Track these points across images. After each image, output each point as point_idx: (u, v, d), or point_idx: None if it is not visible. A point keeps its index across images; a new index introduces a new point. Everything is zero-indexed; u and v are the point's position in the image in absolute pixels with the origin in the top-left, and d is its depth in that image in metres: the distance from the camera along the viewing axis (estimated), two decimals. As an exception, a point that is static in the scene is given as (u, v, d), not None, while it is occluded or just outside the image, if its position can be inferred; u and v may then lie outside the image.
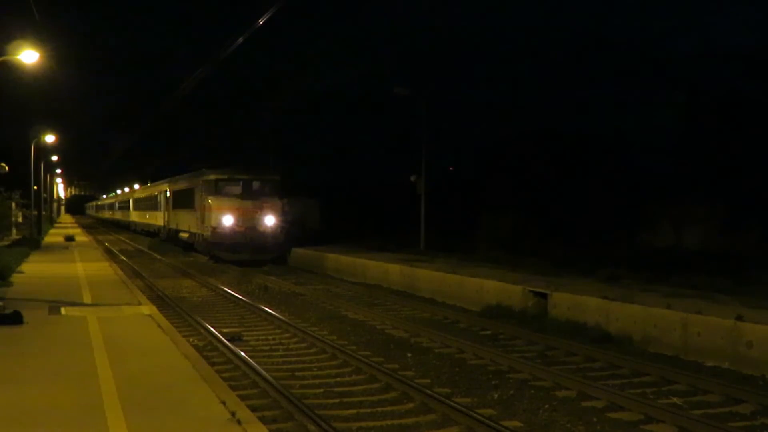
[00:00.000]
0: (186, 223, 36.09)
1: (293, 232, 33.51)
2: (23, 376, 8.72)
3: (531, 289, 16.78)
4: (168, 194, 41.88)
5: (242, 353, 11.69)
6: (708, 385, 10.18)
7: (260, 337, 14.04)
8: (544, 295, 16.25)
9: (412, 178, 29.76)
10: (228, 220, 30.28)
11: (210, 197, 31.03)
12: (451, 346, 13.03)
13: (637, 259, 22.97)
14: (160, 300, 18.43)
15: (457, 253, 26.04)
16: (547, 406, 9.38)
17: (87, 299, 15.98)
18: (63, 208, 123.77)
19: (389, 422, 8.59)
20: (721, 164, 34.16)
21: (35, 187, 42.78)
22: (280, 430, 8.08)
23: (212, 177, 31.47)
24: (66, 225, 79.22)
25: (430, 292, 20.50)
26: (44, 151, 47.18)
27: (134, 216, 62.73)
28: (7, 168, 34.49)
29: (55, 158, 60.88)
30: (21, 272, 21.73)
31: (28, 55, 20.10)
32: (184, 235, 36.23)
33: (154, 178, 61.48)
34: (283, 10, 16.60)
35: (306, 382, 10.53)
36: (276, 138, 47.44)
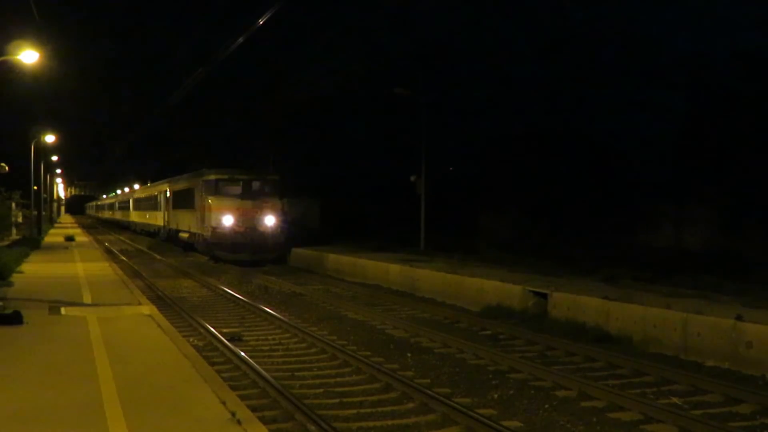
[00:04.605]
0: (186, 223, 36.08)
1: (293, 232, 33.51)
2: (23, 376, 8.72)
3: (531, 289, 16.78)
4: (168, 194, 41.86)
5: (242, 353, 11.69)
6: (708, 385, 10.18)
7: (260, 337, 14.04)
8: (544, 295, 16.25)
9: (412, 179, 29.75)
10: (228, 220, 30.29)
11: (210, 197, 31.03)
12: (451, 346, 13.03)
13: (637, 259, 22.96)
14: (160, 300, 18.42)
15: (457, 252, 26.03)
16: (547, 406, 9.38)
17: (87, 299, 15.97)
18: (63, 208, 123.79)
19: (389, 422, 8.59)
20: (721, 164, 34.18)
21: (35, 187, 42.77)
22: (280, 430, 8.08)
23: (212, 177, 31.48)
24: (66, 225, 79.21)
25: (430, 292, 20.49)
26: (44, 151, 47.18)
27: (134, 216, 62.69)
28: (7, 168, 34.49)
29: (55, 158, 60.87)
30: (21, 272, 21.72)
31: (28, 55, 20.08)
32: (184, 235, 36.22)
33: (154, 178, 61.49)
34: (283, 8, 16.58)
35: (306, 382, 10.53)
36: (276, 138, 47.40)
